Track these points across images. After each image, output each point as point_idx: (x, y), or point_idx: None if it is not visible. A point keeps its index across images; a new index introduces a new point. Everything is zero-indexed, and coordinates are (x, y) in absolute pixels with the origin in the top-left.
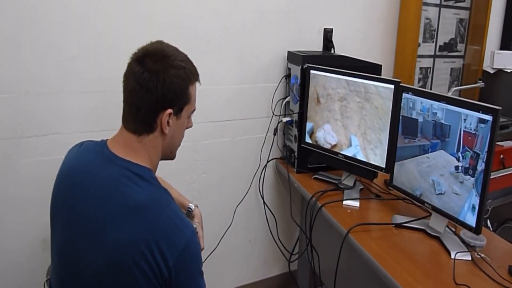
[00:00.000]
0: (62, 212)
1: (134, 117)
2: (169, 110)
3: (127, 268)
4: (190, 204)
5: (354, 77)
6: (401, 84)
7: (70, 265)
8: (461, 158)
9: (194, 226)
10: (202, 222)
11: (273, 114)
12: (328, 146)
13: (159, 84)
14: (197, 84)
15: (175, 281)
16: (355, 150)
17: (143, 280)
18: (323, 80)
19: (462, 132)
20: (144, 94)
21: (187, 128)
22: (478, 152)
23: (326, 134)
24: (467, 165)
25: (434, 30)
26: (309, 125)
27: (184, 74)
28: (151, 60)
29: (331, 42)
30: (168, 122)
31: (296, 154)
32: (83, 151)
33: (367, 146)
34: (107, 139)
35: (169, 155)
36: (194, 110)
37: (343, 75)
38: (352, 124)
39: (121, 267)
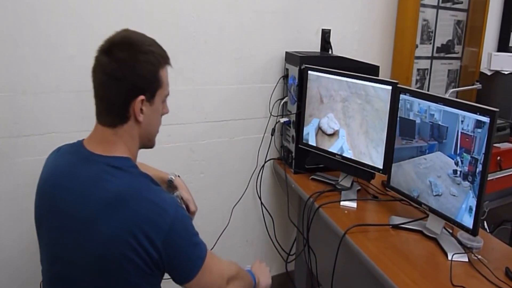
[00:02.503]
0: (46, 218)
1: (106, 109)
2: (141, 97)
3: (116, 262)
4: (170, 176)
5: (351, 78)
6: (398, 85)
7: (60, 269)
8: (459, 162)
9: (176, 194)
10: (186, 187)
11: (271, 114)
12: (331, 131)
13: (128, 72)
14: (168, 67)
15: (167, 260)
16: (342, 141)
17: (133, 271)
18: (325, 82)
19: (459, 133)
20: (114, 85)
21: (163, 114)
22: (477, 157)
23: (329, 121)
24: (466, 171)
25: (432, 32)
26: (315, 121)
27: (154, 58)
28: (118, 49)
29: (329, 43)
30: (141, 109)
31: (293, 154)
32: (60, 156)
33: (370, 144)
34: (83, 139)
35: (147, 143)
36: (168, 94)
37: (341, 76)
38: (355, 124)
39: (110, 262)
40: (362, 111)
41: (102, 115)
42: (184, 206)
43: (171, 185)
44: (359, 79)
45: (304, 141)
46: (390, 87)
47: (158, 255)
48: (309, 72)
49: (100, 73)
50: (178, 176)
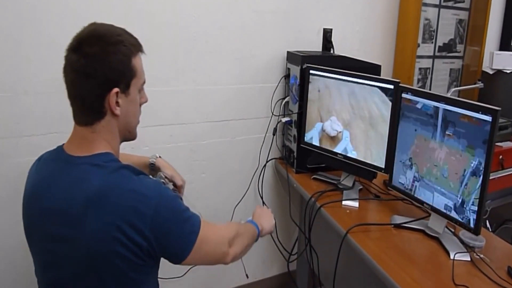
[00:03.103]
0: (36, 229)
1: (81, 108)
2: (115, 90)
3: (106, 260)
4: (150, 160)
5: (353, 77)
6: (400, 84)
7: (53, 275)
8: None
9: (159, 175)
10: (169, 165)
11: (272, 114)
12: (334, 134)
13: (98, 66)
14: (141, 55)
15: (158, 246)
16: (345, 142)
17: (125, 266)
18: (327, 100)
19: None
20: (85, 81)
21: (141, 103)
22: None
23: (332, 123)
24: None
25: (434, 31)
26: (319, 125)
27: (124, 48)
28: (87, 45)
29: (331, 42)
30: (117, 102)
31: (295, 154)
32: (41, 165)
33: (372, 143)
34: (63, 144)
35: (128, 135)
36: (144, 82)
37: (343, 75)
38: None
39: (100, 261)
40: (365, 136)
41: (78, 115)
42: (170, 184)
43: (153, 168)
44: (361, 78)
45: (306, 141)
46: (392, 86)
47: (147, 243)
48: (312, 71)
49: (70, 71)
50: (159, 156)
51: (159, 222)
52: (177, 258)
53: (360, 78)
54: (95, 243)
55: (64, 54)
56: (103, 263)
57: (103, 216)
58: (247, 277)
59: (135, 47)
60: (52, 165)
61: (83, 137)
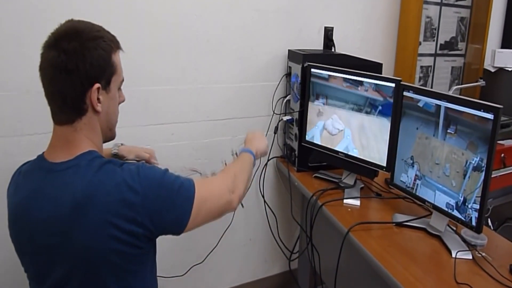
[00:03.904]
0: (28, 245)
1: (61, 106)
2: (97, 85)
3: (103, 259)
4: (113, 151)
5: (355, 75)
6: (402, 82)
7: (50, 285)
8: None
9: (132, 160)
10: (132, 147)
11: (274, 112)
12: (336, 132)
13: (79, 62)
14: (120, 52)
15: (156, 227)
16: (347, 141)
17: (122, 260)
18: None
19: None
20: (66, 78)
21: (120, 102)
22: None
23: (334, 122)
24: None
25: (435, 29)
26: (320, 124)
27: (104, 43)
28: (65, 41)
29: (332, 40)
30: (98, 98)
31: (296, 152)
32: (22, 179)
33: (373, 141)
34: (43, 152)
35: (109, 133)
36: (123, 80)
37: (344, 73)
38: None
39: (98, 261)
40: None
41: (57, 114)
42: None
43: (117, 156)
44: (362, 77)
45: (307, 139)
46: (393, 84)
47: (143, 229)
48: (313, 70)
49: (49, 68)
50: (122, 144)
51: (149, 204)
52: (178, 229)
53: (361, 77)
54: (91, 245)
55: (40, 51)
56: (100, 263)
57: (94, 216)
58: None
59: (114, 43)
60: (35, 176)
61: (65, 138)
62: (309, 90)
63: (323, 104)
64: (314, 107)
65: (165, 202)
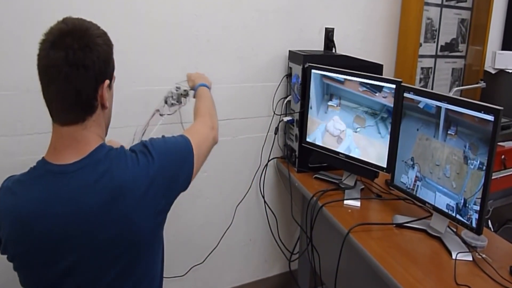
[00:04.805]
0: (40, 256)
1: (73, 104)
2: (107, 82)
3: (146, 241)
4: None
5: (355, 76)
6: (402, 83)
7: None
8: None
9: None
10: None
11: (274, 113)
12: (338, 133)
13: (95, 58)
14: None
15: (175, 190)
16: (349, 141)
17: (153, 238)
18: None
19: None
20: (84, 74)
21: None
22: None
23: (335, 123)
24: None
25: (436, 30)
26: (322, 127)
27: (108, 40)
28: (74, 38)
29: (332, 41)
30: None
31: (297, 153)
32: (21, 190)
33: (374, 142)
34: (42, 158)
35: (107, 131)
36: (115, 78)
37: (344, 74)
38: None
39: (140, 245)
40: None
41: (65, 113)
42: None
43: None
44: (363, 78)
45: (308, 140)
46: (394, 86)
47: (167, 200)
48: (313, 71)
49: (62, 66)
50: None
51: (167, 173)
52: (188, 183)
53: (362, 78)
54: (132, 228)
55: (42, 52)
56: (142, 245)
57: (132, 201)
58: None
59: (110, 40)
60: (43, 182)
61: (73, 138)
62: (323, 90)
63: (336, 105)
64: (325, 105)
65: (178, 165)
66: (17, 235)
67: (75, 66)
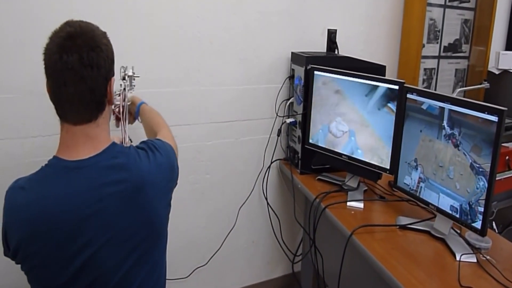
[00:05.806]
0: (60, 252)
1: (88, 103)
2: (113, 79)
3: (162, 228)
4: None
5: (358, 78)
6: (405, 85)
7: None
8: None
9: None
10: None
11: (277, 115)
12: (341, 134)
13: (105, 56)
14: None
15: (175, 181)
16: (352, 142)
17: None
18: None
19: None
20: (97, 73)
21: None
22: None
23: (338, 124)
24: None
25: (439, 31)
26: (324, 127)
27: (109, 39)
28: (84, 40)
29: (335, 43)
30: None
31: (299, 155)
32: (37, 191)
33: (378, 144)
34: (53, 157)
35: None
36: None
37: (347, 76)
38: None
39: (158, 232)
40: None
41: (79, 113)
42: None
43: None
44: (366, 79)
45: (311, 142)
46: (397, 87)
47: (172, 195)
48: (316, 72)
49: (78, 68)
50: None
51: (172, 169)
52: (176, 181)
53: (364, 79)
54: (157, 220)
55: (54, 56)
56: (160, 232)
57: (151, 193)
58: None
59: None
60: (58, 179)
61: (86, 136)
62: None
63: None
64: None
65: (174, 160)
66: (33, 233)
67: (90, 66)
